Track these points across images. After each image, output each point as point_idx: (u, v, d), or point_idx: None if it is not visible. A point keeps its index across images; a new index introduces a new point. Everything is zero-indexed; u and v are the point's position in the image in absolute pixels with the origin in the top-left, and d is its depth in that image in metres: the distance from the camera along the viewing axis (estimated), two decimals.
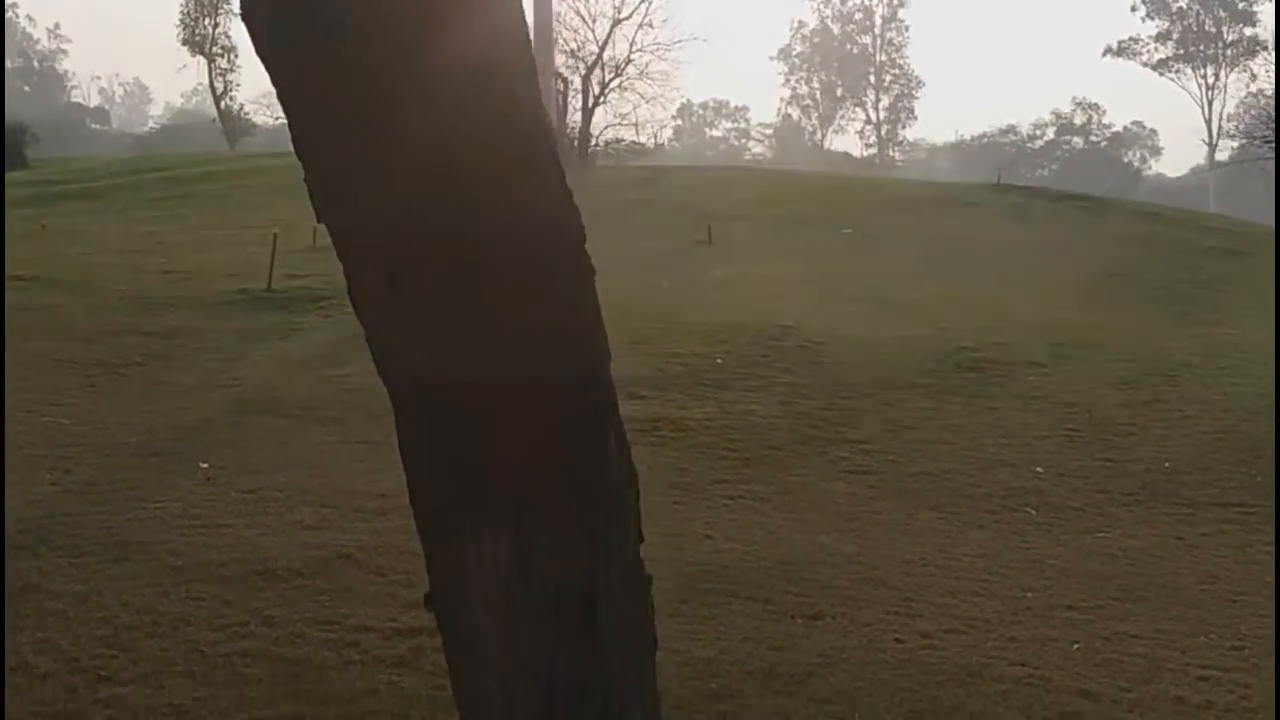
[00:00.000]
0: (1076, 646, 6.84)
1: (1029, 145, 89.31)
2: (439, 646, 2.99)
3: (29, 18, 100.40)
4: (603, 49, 42.17)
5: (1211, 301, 16.88)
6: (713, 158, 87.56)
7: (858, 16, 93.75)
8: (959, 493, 9.94)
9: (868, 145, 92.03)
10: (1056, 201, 24.51)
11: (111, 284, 16.38)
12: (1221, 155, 74.59)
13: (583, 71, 41.93)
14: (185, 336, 13.95)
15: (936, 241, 21.14)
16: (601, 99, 42.52)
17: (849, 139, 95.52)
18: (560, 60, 42.05)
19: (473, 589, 2.77)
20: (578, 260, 2.80)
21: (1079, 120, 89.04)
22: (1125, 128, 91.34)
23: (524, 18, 2.74)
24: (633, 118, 43.79)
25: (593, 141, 41.85)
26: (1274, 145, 25.41)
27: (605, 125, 43.03)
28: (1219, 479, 10.43)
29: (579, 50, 42.16)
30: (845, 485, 10.00)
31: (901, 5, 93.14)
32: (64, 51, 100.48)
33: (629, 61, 42.64)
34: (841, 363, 13.72)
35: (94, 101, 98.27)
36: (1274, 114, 27.09)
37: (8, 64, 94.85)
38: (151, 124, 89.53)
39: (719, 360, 13.57)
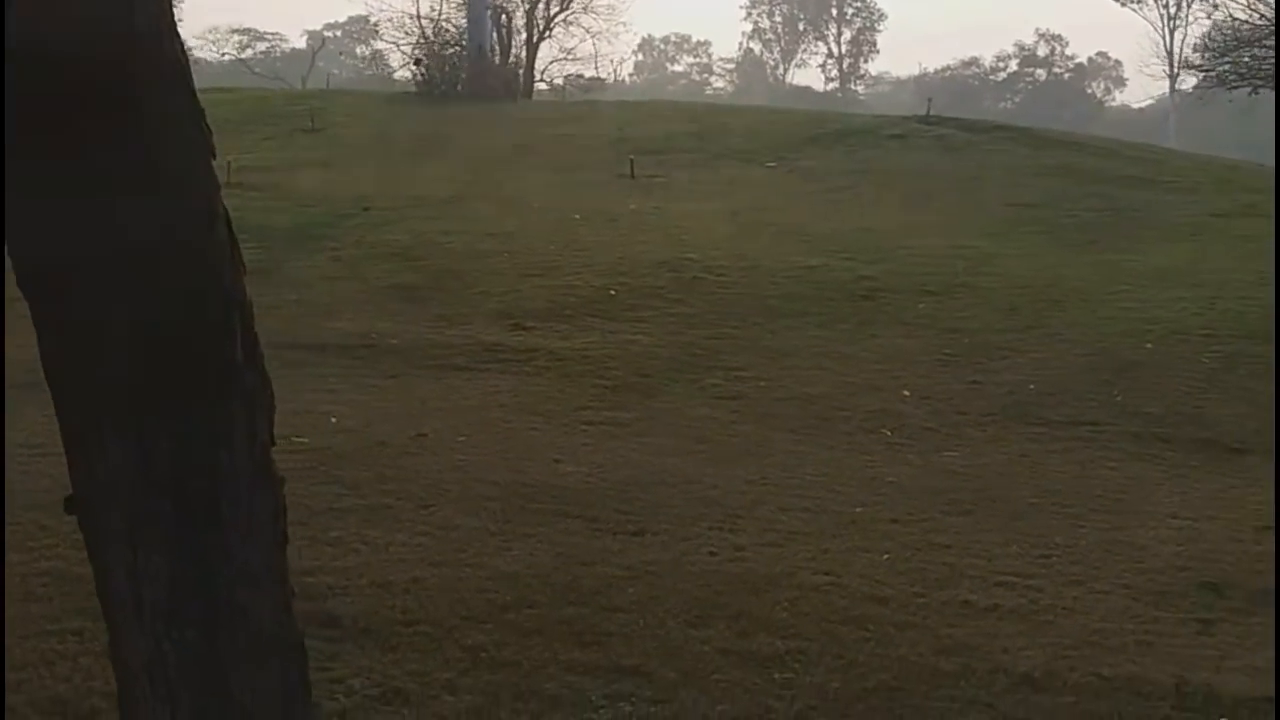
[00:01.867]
0: (886, 557, 7.08)
1: (991, 78, 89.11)
2: None
3: None
4: None
5: (1119, 230, 17.04)
6: (673, 93, 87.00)
7: None
8: (821, 416, 10.16)
9: (830, 79, 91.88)
10: (985, 133, 24.61)
11: None
12: (1183, 86, 74.50)
13: (527, 5, 41.58)
14: None
15: (857, 174, 21.26)
16: (547, 33, 42.29)
17: (811, 73, 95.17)
18: None
19: (101, 492, 2.90)
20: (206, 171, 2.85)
21: (1042, 52, 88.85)
22: (1090, 59, 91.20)
23: None
24: (579, 52, 43.56)
25: (537, 77, 41.64)
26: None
27: (550, 60, 42.80)
28: (1079, 399, 10.69)
29: None
30: (709, 410, 10.20)
31: None
32: None
33: None
34: (737, 293, 13.88)
35: None
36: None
37: None
38: None
39: (612, 292, 13.70)
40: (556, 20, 42.46)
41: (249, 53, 68.96)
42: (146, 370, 2.85)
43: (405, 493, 7.67)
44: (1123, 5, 78.99)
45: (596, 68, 49.71)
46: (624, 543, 7.02)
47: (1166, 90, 75.98)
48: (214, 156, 2.86)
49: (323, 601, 5.68)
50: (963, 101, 77.82)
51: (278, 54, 69.85)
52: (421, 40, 36.98)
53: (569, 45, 43.39)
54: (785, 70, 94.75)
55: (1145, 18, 77.99)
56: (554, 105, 35.75)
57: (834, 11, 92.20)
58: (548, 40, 42.57)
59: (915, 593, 6.53)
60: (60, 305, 2.87)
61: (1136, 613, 6.40)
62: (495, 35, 39.92)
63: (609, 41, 44.02)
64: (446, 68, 32.43)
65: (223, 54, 67.50)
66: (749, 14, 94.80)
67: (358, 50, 74.68)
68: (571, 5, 42.50)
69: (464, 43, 33.78)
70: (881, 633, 5.84)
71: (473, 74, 31.64)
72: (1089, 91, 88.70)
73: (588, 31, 43.20)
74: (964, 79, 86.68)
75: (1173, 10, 78.36)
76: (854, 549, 7.18)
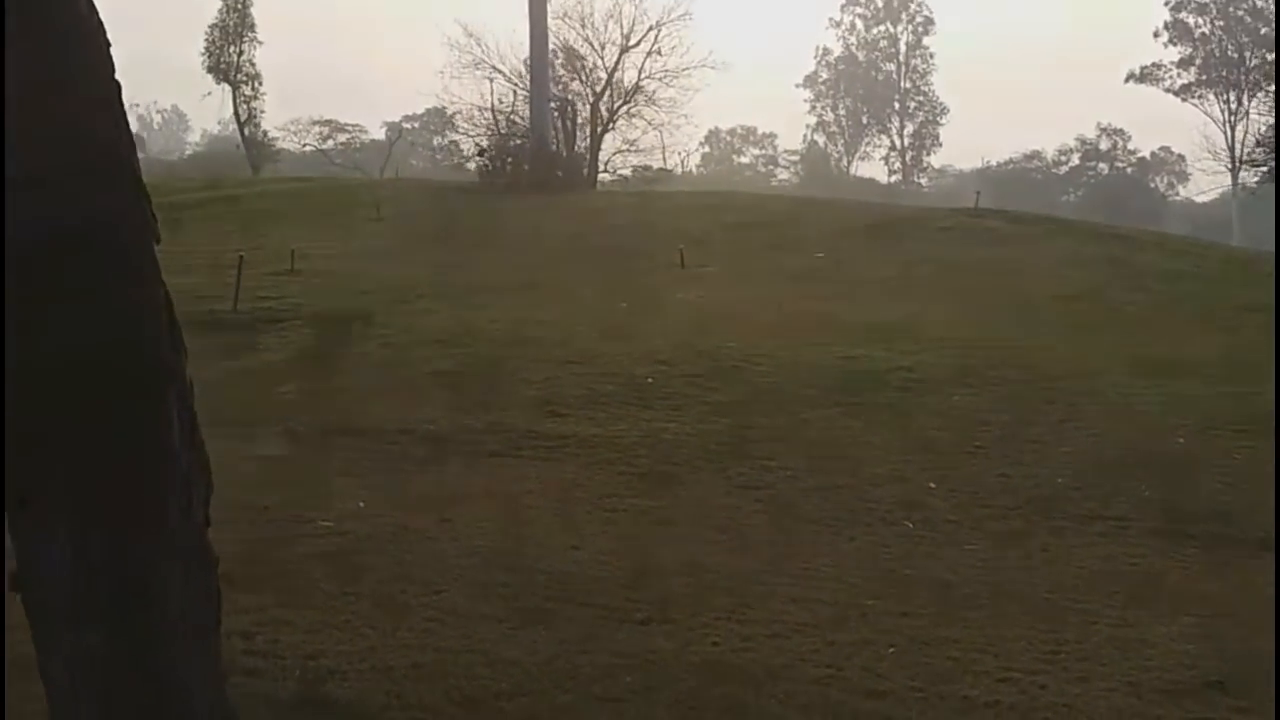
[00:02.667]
0: (891, 650, 7.10)
1: (1054, 171, 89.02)
2: None
3: None
4: (611, 75, 42.69)
5: (1156, 323, 17.01)
6: (739, 183, 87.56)
7: (883, 44, 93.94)
8: (844, 506, 10.19)
9: (893, 172, 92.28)
10: (1031, 225, 24.68)
11: None
12: (1247, 180, 73.93)
13: (591, 99, 42.41)
14: None
15: (904, 265, 21.37)
16: (611, 125, 42.98)
17: (875, 165, 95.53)
18: (573, 87, 42.74)
19: (42, 581, 3.06)
20: (141, 262, 3.07)
21: (1104, 146, 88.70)
22: (1153, 153, 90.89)
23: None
24: (641, 143, 44.20)
25: (601, 168, 42.28)
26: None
27: (614, 151, 43.47)
28: (1106, 493, 10.60)
29: (588, 78, 42.68)
30: (732, 500, 10.29)
31: (926, 34, 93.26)
32: None
33: (638, 88, 43.11)
34: (772, 382, 13.99)
35: (134, 128, 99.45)
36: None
37: None
38: (190, 150, 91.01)
39: (649, 380, 13.86)
40: (620, 112, 43.13)
41: (330, 143, 70.44)
42: (83, 454, 3.02)
43: (420, 578, 7.83)
44: (1183, 100, 79.11)
45: (664, 159, 50.28)
46: (629, 631, 7.12)
47: (1230, 185, 75.56)
48: (158, 241, 3.06)
49: (320, 685, 5.83)
50: (1025, 194, 77.86)
51: (357, 145, 71.27)
52: (488, 132, 37.80)
53: (632, 137, 43.81)
54: (849, 162, 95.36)
55: (1207, 113, 77.91)
56: (612, 195, 36.27)
57: (896, 105, 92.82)
58: (612, 132, 43.21)
59: (915, 687, 6.56)
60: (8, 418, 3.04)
61: (1139, 710, 6.40)
62: (560, 127, 40.79)
63: (670, 133, 44.00)
64: (509, 159, 33.07)
65: (304, 145, 69.19)
66: (813, 107, 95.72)
67: (435, 141, 76.26)
68: (635, 99, 43.11)
69: (527, 135, 34.44)
70: None
71: (535, 165, 32.23)
72: (1152, 186, 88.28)
73: (650, 124, 43.70)
74: (1026, 172, 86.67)
75: (1234, 105, 78.26)
76: (860, 642, 7.22)
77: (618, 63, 42.78)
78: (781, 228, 25.82)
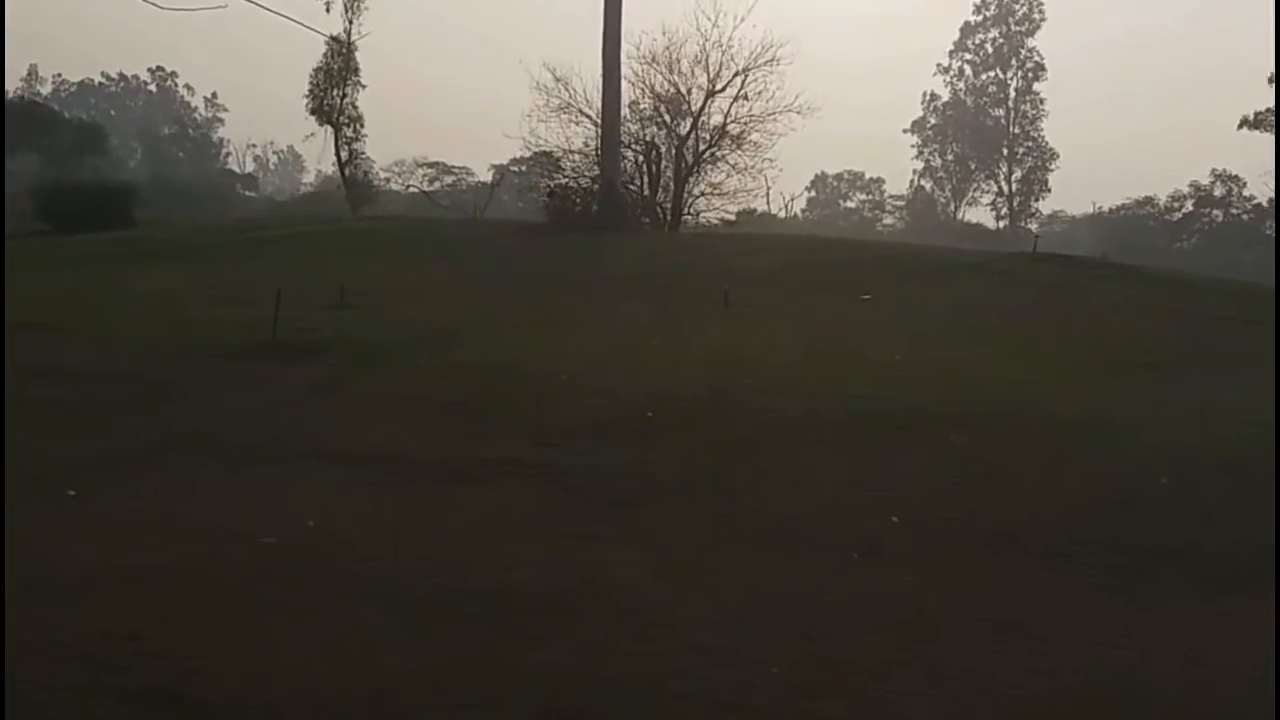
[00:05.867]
0: (775, 670, 7.28)
1: (1166, 217, 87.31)
2: None
3: (188, 87, 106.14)
4: (697, 120, 43.05)
5: (1193, 367, 16.79)
6: (844, 229, 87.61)
7: (991, 89, 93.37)
8: (799, 538, 10.32)
9: (1000, 217, 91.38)
10: (1088, 270, 24.46)
11: (127, 333, 17.66)
12: None
13: (676, 142, 42.82)
14: (171, 380, 15.02)
15: (949, 309, 21.34)
16: (696, 169, 43.33)
17: (983, 211, 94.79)
18: (658, 131, 43.21)
19: None
20: None
21: (1218, 192, 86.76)
22: (1269, 200, 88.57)
23: None
24: (729, 185, 44.45)
25: (685, 210, 42.63)
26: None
27: (699, 194, 43.76)
28: (1072, 530, 10.61)
29: (672, 121, 43.08)
30: (689, 528, 10.48)
31: (1036, 79, 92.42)
32: (220, 120, 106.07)
33: (723, 132, 43.39)
34: (772, 419, 14.14)
35: (249, 168, 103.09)
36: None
37: (165, 130, 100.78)
38: (303, 190, 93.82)
39: (650, 414, 14.11)
40: (705, 156, 43.44)
41: (436, 185, 72.03)
42: None
43: (342, 592, 8.17)
44: None
45: (768, 202, 50.29)
46: (521, 647, 7.37)
47: None
48: None
49: (181, 681, 6.18)
50: (1137, 241, 76.53)
51: (463, 186, 72.78)
52: (562, 174, 38.47)
53: (715, 180, 44.08)
54: (956, 208, 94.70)
55: None
56: (680, 237, 36.66)
57: (1005, 151, 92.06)
58: (696, 175, 43.51)
59: (781, 703, 6.73)
60: None
61: None
62: (644, 170, 41.32)
63: (754, 177, 44.19)
64: (578, 200, 33.65)
65: (407, 186, 70.96)
66: (920, 152, 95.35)
67: (553, 184, 77.54)
68: (720, 143, 43.40)
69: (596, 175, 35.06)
70: None
71: (604, 206, 32.72)
72: (1268, 233, 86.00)
73: (734, 168, 43.95)
74: (1139, 219, 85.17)
75: None
76: (749, 660, 7.40)
77: (703, 107, 43.17)
78: (843, 270, 25.91)
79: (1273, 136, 75.55)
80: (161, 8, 9.24)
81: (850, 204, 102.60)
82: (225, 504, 10.09)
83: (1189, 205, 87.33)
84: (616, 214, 32.43)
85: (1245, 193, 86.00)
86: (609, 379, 15.83)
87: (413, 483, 11.29)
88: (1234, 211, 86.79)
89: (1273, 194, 68.94)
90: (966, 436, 13.66)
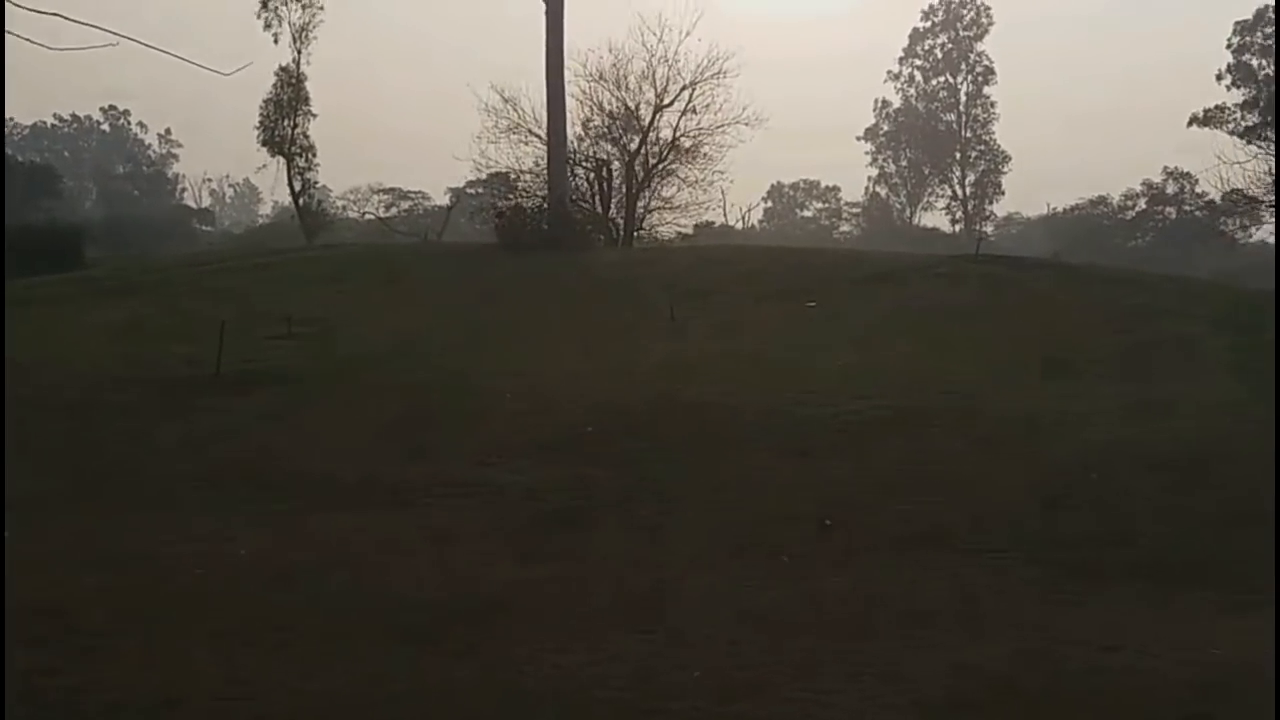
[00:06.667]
0: (697, 675, 7.36)
1: (1120, 216, 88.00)
2: None
3: (140, 124, 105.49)
4: (645, 135, 43.17)
5: (1127, 364, 17.01)
6: (801, 237, 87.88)
7: (942, 94, 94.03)
8: (731, 543, 10.44)
9: (955, 221, 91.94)
10: (1030, 270, 24.70)
11: (80, 365, 17.57)
12: None
13: (626, 158, 42.94)
14: (110, 414, 14.95)
15: (890, 310, 21.52)
16: (646, 183, 43.43)
17: (938, 215, 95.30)
18: (607, 147, 43.32)
19: None
20: None
21: (1171, 190, 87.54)
22: (1224, 196, 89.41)
23: None
24: (680, 200, 44.56)
25: (637, 225, 42.72)
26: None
27: (648, 208, 43.85)
28: (1004, 526, 10.79)
29: (620, 138, 43.20)
30: (622, 539, 10.57)
31: (986, 83, 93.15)
32: (174, 156, 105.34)
33: (674, 146, 43.52)
34: (710, 429, 14.22)
35: (206, 202, 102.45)
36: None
37: (119, 169, 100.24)
38: (260, 222, 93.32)
39: (589, 429, 14.16)
40: (655, 171, 43.55)
41: (394, 210, 71.90)
42: None
43: (266, 617, 8.21)
44: (1248, 143, 77.90)
45: (725, 214, 50.10)
46: (442, 662, 7.43)
47: None
48: None
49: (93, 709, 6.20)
50: (1091, 241, 77.09)
51: (420, 211, 72.62)
52: (511, 194, 38.51)
53: (666, 194, 44.20)
54: (911, 213, 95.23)
55: (1272, 153, 76.54)
56: (630, 252, 36.71)
57: (958, 155, 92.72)
58: (648, 190, 43.60)
59: (700, 706, 6.80)
60: None
61: None
62: (595, 187, 41.38)
63: (705, 190, 44.25)
64: (529, 219, 33.69)
65: (363, 213, 70.88)
66: (874, 159, 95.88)
67: (500, 205, 77.49)
68: (668, 157, 43.53)
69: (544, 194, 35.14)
70: None
71: (553, 224, 32.75)
72: (1224, 230, 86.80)
73: (685, 181, 44.06)
74: (1092, 218, 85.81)
75: None
76: (671, 666, 7.47)
77: (652, 122, 43.30)
78: (790, 278, 25.99)
79: (1224, 133, 76.21)
80: (50, 48, 9.19)
81: (807, 213, 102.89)
82: (157, 536, 10.08)
83: (1142, 204, 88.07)
84: (567, 232, 32.40)
85: (1197, 190, 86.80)
86: (551, 395, 15.88)
87: (348, 507, 11.30)
88: (1187, 209, 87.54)
89: (1226, 191, 69.32)
90: (903, 438, 13.79)
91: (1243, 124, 76.72)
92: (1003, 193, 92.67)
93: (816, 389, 15.90)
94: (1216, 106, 78.41)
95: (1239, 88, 78.17)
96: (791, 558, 10.04)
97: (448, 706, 6.71)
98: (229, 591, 8.78)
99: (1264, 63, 79.01)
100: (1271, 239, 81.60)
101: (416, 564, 9.72)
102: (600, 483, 12.27)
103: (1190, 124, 78.41)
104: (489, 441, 13.76)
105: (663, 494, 11.90)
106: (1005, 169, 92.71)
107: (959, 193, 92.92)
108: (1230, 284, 30.27)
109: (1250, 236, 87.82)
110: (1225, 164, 66.22)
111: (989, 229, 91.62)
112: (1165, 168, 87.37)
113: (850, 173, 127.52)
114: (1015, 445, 13.40)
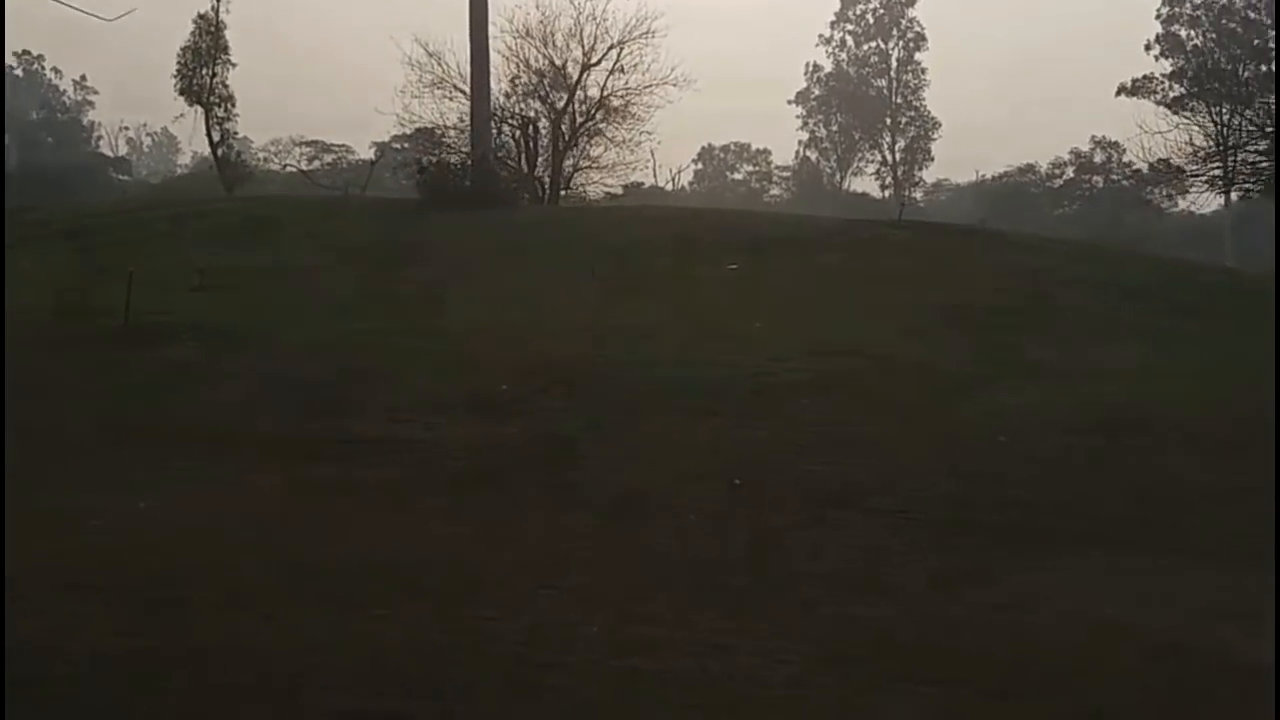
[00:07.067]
0: (594, 631, 7.34)
1: (1048, 184, 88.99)
2: None
3: (55, 70, 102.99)
4: (572, 94, 42.91)
5: (1042, 330, 17.23)
6: (732, 200, 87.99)
7: (873, 60, 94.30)
8: (640, 503, 10.45)
9: (884, 187, 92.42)
10: (951, 237, 24.92)
11: None
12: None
13: (554, 116, 42.68)
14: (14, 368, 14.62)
15: (814, 276, 21.62)
16: (573, 143, 43.21)
17: (868, 181, 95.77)
18: (534, 105, 43.04)
19: None
20: None
21: (1098, 159, 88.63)
22: (1151, 166, 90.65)
23: None
24: (609, 159, 44.38)
25: (564, 184, 42.51)
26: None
27: (576, 168, 43.65)
28: (906, 488, 10.90)
29: (547, 96, 42.94)
30: (530, 498, 10.56)
31: (918, 49, 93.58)
32: (90, 104, 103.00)
33: (600, 105, 43.29)
34: (630, 390, 14.18)
35: (122, 151, 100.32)
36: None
37: (33, 115, 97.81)
38: (179, 172, 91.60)
39: (504, 387, 14.08)
40: (583, 130, 43.32)
41: (316, 164, 70.84)
42: None
43: (171, 574, 8.11)
44: (1175, 113, 78.96)
45: (655, 175, 50.00)
46: (350, 618, 7.36)
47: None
48: None
49: None
50: (1019, 208, 77.88)
51: (344, 165, 71.63)
52: (435, 150, 38.16)
53: (594, 154, 44.01)
54: (842, 178, 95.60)
55: (1199, 125, 77.68)
56: (557, 210, 36.60)
57: (888, 120, 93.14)
58: (575, 149, 43.38)
59: (595, 659, 6.85)
60: None
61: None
62: (521, 145, 41.11)
63: (632, 150, 44.08)
64: (451, 175, 33.39)
65: (285, 165, 69.75)
66: (805, 123, 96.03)
67: (424, 160, 76.67)
68: (596, 116, 43.29)
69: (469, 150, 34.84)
70: None
71: (476, 181, 32.46)
72: (1149, 199, 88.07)
73: (612, 141, 43.88)
74: (1021, 185, 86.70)
75: (1225, 118, 78.13)
76: (574, 624, 7.51)
77: (579, 81, 43.04)
78: (713, 239, 25.97)
79: (1151, 103, 77.01)
80: None
81: (738, 176, 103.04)
82: (57, 490, 9.90)
83: (1070, 172, 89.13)
84: (490, 189, 32.12)
85: (1125, 159, 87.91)
86: (461, 356, 15.75)
87: (258, 463, 11.18)
88: (1114, 178, 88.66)
89: (1152, 160, 70.08)
90: (818, 400, 13.86)
91: (1169, 94, 77.68)
92: (932, 159, 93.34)
93: (734, 351, 15.93)
94: (1145, 76, 79.37)
95: (1167, 58, 79.12)
96: (699, 516, 10.06)
97: (373, 661, 6.68)
98: (130, 547, 8.63)
99: (1192, 33, 79.99)
100: (1194, 207, 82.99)
101: (328, 521, 9.63)
102: (514, 443, 12.21)
103: (1119, 94, 79.36)
104: (404, 399, 13.65)
105: (576, 455, 11.87)
106: (935, 135, 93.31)
107: (889, 158, 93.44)
108: (1154, 253, 30.73)
109: (1175, 205, 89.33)
110: (1147, 133, 66.47)
111: (918, 195, 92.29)
112: (1093, 136, 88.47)
113: (777, 126, 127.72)
114: (926, 409, 13.52)
